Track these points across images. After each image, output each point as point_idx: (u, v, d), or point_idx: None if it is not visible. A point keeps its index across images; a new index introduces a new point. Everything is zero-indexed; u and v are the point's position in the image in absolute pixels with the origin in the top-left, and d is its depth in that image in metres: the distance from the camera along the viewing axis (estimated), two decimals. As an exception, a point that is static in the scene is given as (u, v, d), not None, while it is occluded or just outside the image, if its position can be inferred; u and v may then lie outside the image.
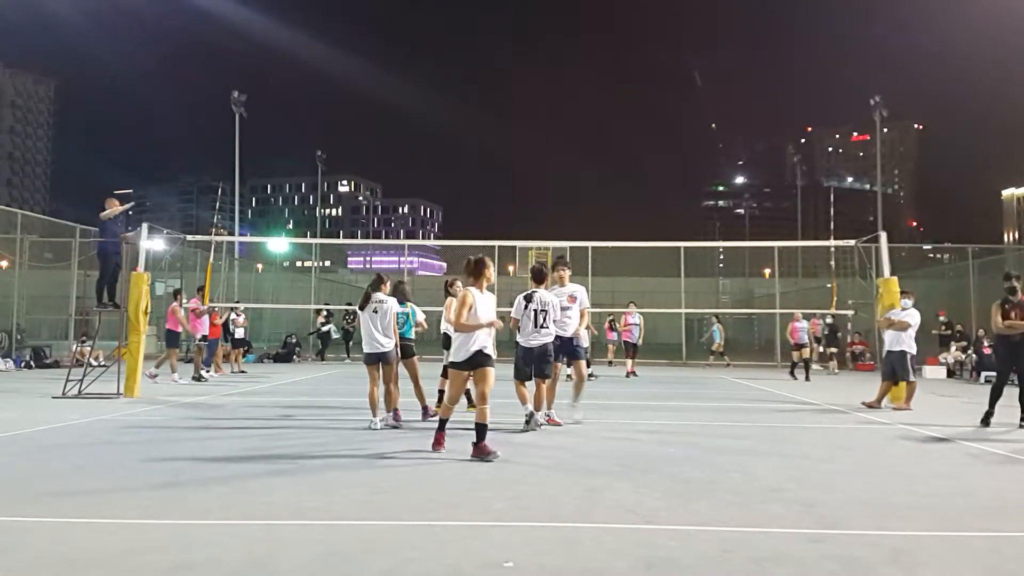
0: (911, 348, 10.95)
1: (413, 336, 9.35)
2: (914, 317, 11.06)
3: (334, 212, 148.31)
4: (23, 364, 17.72)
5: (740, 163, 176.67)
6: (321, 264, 47.20)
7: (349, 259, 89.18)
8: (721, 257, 46.69)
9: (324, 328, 23.39)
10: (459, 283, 9.70)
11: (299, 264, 59.26)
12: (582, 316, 8.96)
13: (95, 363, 13.29)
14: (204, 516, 4.47)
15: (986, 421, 9.03)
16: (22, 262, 19.97)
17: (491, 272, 6.85)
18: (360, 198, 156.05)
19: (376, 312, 8.28)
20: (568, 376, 11.31)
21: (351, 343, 22.78)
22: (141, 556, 3.72)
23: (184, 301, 14.65)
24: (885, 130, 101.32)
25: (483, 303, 6.62)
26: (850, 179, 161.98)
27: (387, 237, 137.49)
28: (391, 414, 8.62)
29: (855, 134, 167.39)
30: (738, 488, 5.42)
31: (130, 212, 12.29)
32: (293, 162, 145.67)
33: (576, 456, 6.72)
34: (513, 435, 7.78)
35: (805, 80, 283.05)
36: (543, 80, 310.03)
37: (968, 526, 4.50)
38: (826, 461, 6.71)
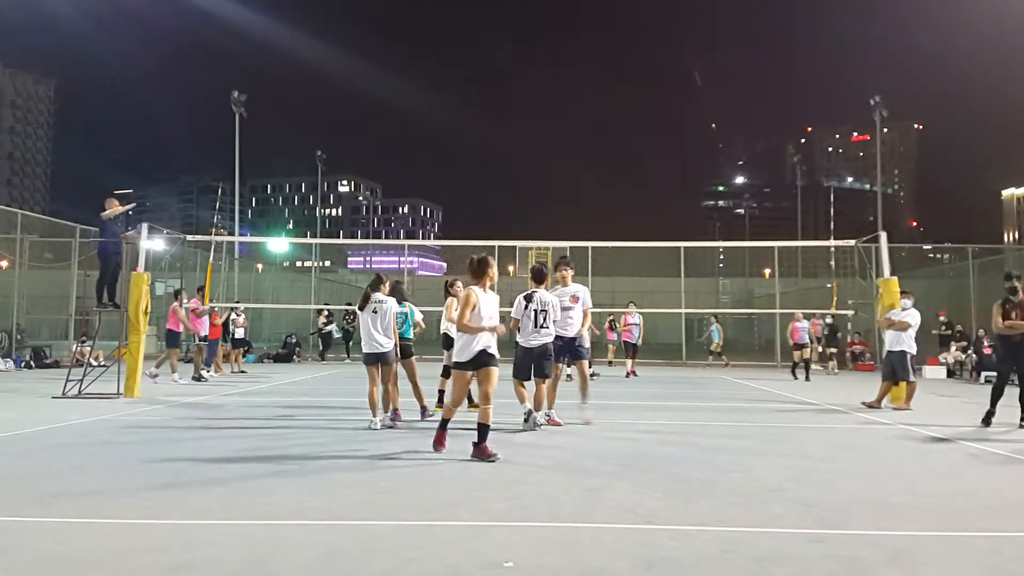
0: (911, 348, 10.95)
1: (412, 336, 9.39)
2: (914, 317, 11.06)
3: (334, 212, 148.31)
4: (23, 364, 17.72)
5: (740, 163, 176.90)
6: (321, 264, 47.21)
7: (349, 259, 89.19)
8: (721, 257, 46.68)
9: (326, 328, 23.40)
10: (459, 283, 9.72)
11: (299, 264, 59.26)
12: (585, 316, 8.96)
13: (95, 363, 13.29)
14: (204, 516, 4.47)
15: (987, 420, 9.03)
16: (22, 262, 19.97)
17: (494, 271, 6.82)
18: (360, 198, 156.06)
19: (376, 312, 8.28)
20: (568, 376, 11.33)
21: (351, 343, 22.78)
22: (141, 556, 3.72)
23: (184, 301, 14.65)
24: (885, 130, 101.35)
25: (486, 302, 6.59)
26: (850, 179, 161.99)
27: (387, 237, 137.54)
28: (391, 414, 8.64)
29: (855, 134, 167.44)
30: (738, 488, 5.42)
31: (130, 212, 12.29)
32: (293, 162, 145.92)
33: (576, 456, 6.72)
34: (513, 435, 7.78)
35: (805, 80, 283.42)
36: (543, 80, 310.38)
37: (968, 526, 4.50)
38: (826, 461, 6.71)
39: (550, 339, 8.35)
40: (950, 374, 19.14)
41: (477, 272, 6.74)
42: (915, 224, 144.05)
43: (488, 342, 6.58)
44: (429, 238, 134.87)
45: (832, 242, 17.78)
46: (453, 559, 3.72)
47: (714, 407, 11.29)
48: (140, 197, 17.39)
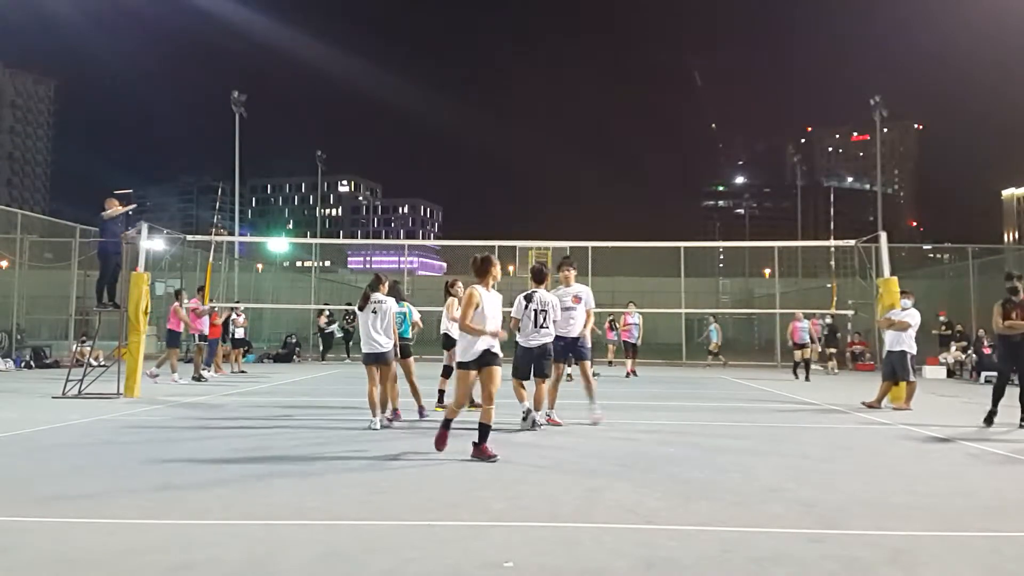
0: (911, 348, 10.95)
1: (411, 336, 9.42)
2: (914, 317, 11.06)
3: (334, 212, 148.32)
4: (23, 364, 17.72)
5: (740, 163, 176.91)
6: (321, 264, 47.21)
7: (349, 259, 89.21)
8: (721, 257, 46.65)
9: (328, 329, 23.39)
10: (460, 284, 9.74)
11: (299, 264, 59.25)
12: (588, 317, 8.95)
13: (95, 363, 13.29)
14: (204, 516, 4.47)
15: (989, 420, 9.03)
16: (22, 262, 19.97)
17: (497, 270, 6.76)
18: (360, 198, 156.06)
19: (375, 312, 8.29)
20: (568, 376, 11.31)
21: (351, 343, 22.79)
22: (141, 556, 3.72)
23: (185, 301, 14.65)
24: (885, 130, 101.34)
25: (489, 301, 6.56)
26: (850, 179, 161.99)
27: (387, 237, 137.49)
28: (390, 413, 8.66)
29: (855, 134, 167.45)
30: (738, 488, 5.42)
31: (130, 212, 12.29)
32: (293, 162, 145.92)
33: (576, 456, 6.72)
34: (513, 435, 7.78)
35: (805, 80, 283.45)
36: (543, 80, 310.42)
37: (968, 526, 4.50)
38: (826, 461, 6.71)
39: (550, 339, 8.34)
40: (950, 374, 19.14)
41: (480, 271, 6.69)
42: (915, 224, 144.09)
43: (491, 341, 6.56)
44: (429, 238, 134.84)
45: (832, 242, 17.78)
46: (453, 559, 3.72)
47: (714, 407, 11.29)
48: (140, 197, 17.40)
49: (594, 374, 9.48)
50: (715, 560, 3.77)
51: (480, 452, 6.28)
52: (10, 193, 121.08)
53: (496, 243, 15.64)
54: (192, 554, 3.74)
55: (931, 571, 3.70)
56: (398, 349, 8.73)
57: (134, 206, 12.36)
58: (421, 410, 9.11)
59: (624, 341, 19.01)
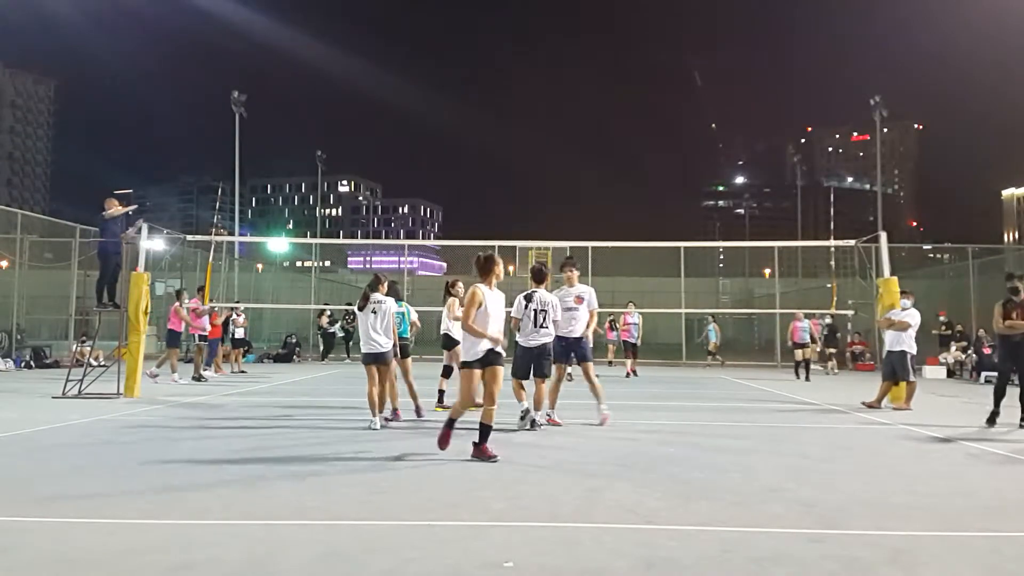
0: (911, 348, 10.95)
1: (410, 336, 9.46)
2: (914, 317, 11.06)
3: (334, 212, 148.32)
4: (23, 364, 17.72)
5: (740, 163, 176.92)
6: (321, 264, 47.20)
7: (349, 259, 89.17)
8: (721, 257, 46.65)
9: (331, 329, 23.36)
10: (460, 284, 9.76)
11: (299, 264, 59.25)
12: (591, 317, 8.94)
13: (95, 363, 13.29)
14: (204, 516, 4.47)
15: (992, 421, 9.02)
16: (22, 262, 19.97)
17: (500, 269, 6.72)
18: (360, 198, 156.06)
19: (375, 312, 8.29)
20: (569, 375, 11.31)
21: (351, 343, 22.79)
22: (141, 556, 3.72)
23: (186, 301, 14.66)
24: (885, 130, 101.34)
25: (492, 300, 6.53)
26: (850, 179, 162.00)
27: (387, 237, 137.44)
28: (390, 413, 8.68)
29: (855, 134, 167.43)
30: (738, 488, 5.42)
31: (130, 213, 12.28)
32: (293, 162, 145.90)
33: (576, 456, 6.72)
34: (513, 435, 7.78)
35: (805, 80, 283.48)
36: (543, 80, 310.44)
37: (968, 526, 4.50)
38: (826, 461, 6.71)
39: (550, 339, 8.34)
40: (950, 374, 19.14)
41: (484, 269, 6.64)
42: (915, 224, 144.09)
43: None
44: (429, 238, 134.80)
45: (832, 242, 17.79)
46: (453, 559, 3.72)
47: (714, 407, 11.30)
48: (140, 197, 17.41)
49: (569, 377, 9.51)
50: (715, 560, 3.77)
51: (480, 452, 6.27)
52: (10, 193, 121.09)
53: (496, 243, 15.61)
54: (192, 554, 3.74)
55: (931, 571, 3.71)
56: (398, 349, 8.75)
57: (135, 207, 12.36)
58: (418, 410, 9.12)
59: (624, 341, 19.02)
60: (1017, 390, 9.18)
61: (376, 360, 8.26)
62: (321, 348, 23.70)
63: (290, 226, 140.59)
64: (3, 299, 19.35)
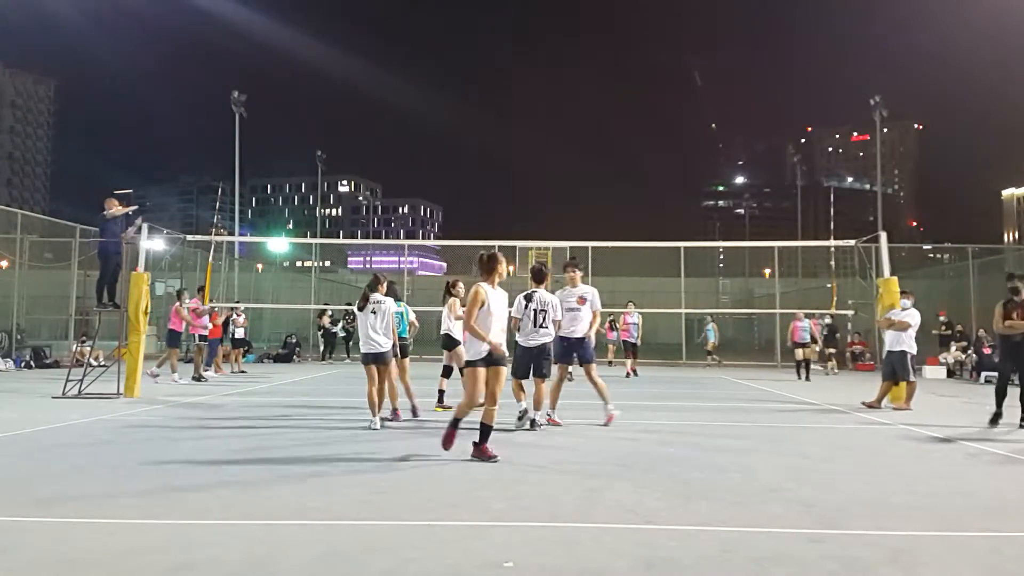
0: (911, 348, 10.95)
1: (408, 336, 9.50)
2: (914, 317, 11.06)
3: (334, 212, 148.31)
4: (23, 364, 17.73)
5: (740, 163, 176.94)
6: (321, 264, 47.21)
7: (349, 259, 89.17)
8: (721, 257, 46.64)
9: (333, 329, 23.34)
10: (461, 284, 9.77)
11: (299, 264, 59.26)
12: (594, 318, 8.92)
13: (95, 363, 13.29)
14: (204, 516, 4.47)
15: (994, 422, 9.01)
16: (22, 262, 19.98)
17: (503, 268, 6.64)
18: (360, 198, 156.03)
19: (375, 313, 8.30)
20: (569, 376, 11.31)
21: (351, 343, 22.79)
22: (141, 556, 3.72)
23: (186, 301, 14.65)
24: (885, 130, 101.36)
25: (496, 299, 6.49)
26: (850, 179, 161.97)
27: (387, 237, 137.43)
28: (390, 413, 8.68)
29: (855, 134, 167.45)
30: (738, 488, 5.42)
31: (130, 213, 12.28)
32: (293, 162, 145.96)
33: (576, 456, 6.72)
34: (513, 435, 7.78)
35: (805, 80, 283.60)
36: (543, 80, 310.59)
37: (968, 526, 4.50)
38: (826, 461, 6.71)
39: (549, 339, 8.34)
40: (950, 374, 19.14)
41: (487, 268, 6.57)
42: (915, 224, 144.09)
43: (499, 339, 6.51)
44: (429, 238, 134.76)
45: (832, 242, 17.78)
46: (453, 559, 3.72)
47: (714, 407, 11.30)
48: (140, 197, 17.36)
49: (569, 377, 9.51)
50: (715, 560, 3.77)
51: (480, 452, 6.27)
52: (10, 193, 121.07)
53: (496, 243, 15.59)
54: (192, 554, 3.74)
55: (931, 571, 3.70)
56: (398, 349, 8.76)
57: (135, 207, 12.35)
58: (415, 409, 9.12)
59: (624, 341, 19.02)
60: (1017, 390, 9.18)
61: (376, 360, 8.27)
62: (322, 348, 23.68)
63: (290, 226, 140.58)
64: (3, 299, 19.35)
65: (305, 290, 30.45)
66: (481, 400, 6.51)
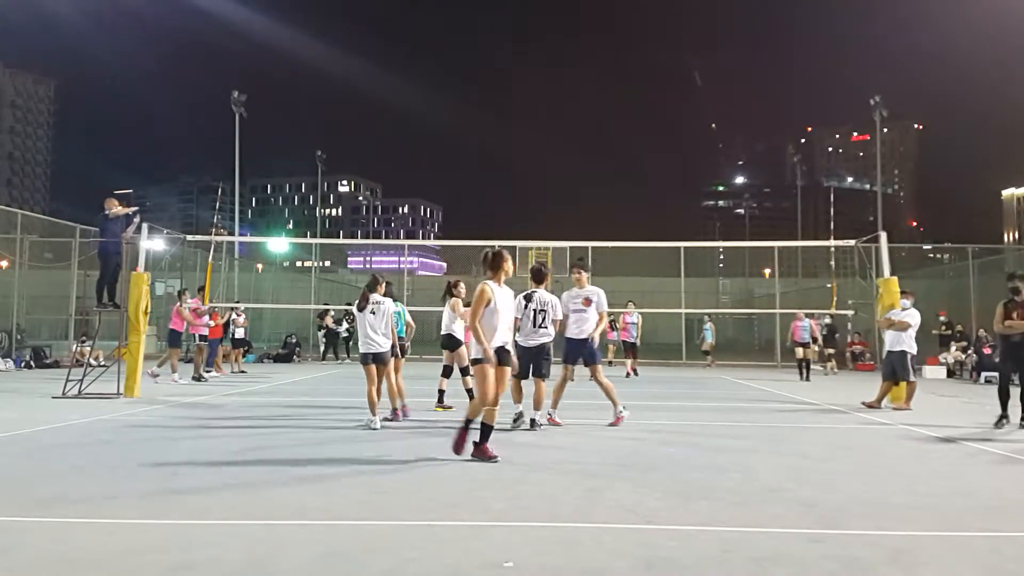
0: (911, 348, 10.95)
1: (406, 336, 9.55)
2: (914, 317, 11.06)
3: (334, 212, 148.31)
4: (23, 364, 17.72)
5: (740, 163, 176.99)
6: (321, 264, 47.20)
7: (349, 259, 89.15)
8: (721, 257, 46.64)
9: (338, 329, 23.31)
10: (462, 284, 9.78)
11: (299, 264, 59.25)
12: (600, 319, 8.90)
13: (95, 363, 13.29)
14: (204, 516, 4.47)
15: (999, 424, 8.97)
16: (22, 262, 19.98)
17: (509, 265, 6.56)
18: (360, 198, 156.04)
19: (374, 313, 8.30)
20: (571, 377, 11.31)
21: (351, 343, 22.78)
22: (141, 556, 3.72)
23: (187, 301, 14.65)
24: (885, 130, 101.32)
25: (502, 297, 6.45)
26: (850, 179, 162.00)
27: (387, 237, 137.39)
28: (390, 413, 8.69)
29: (855, 134, 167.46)
30: (738, 488, 5.42)
31: (131, 214, 12.26)
32: (293, 162, 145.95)
33: (576, 456, 6.71)
34: (513, 435, 7.78)
35: (805, 80, 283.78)
36: (543, 80, 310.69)
37: (968, 526, 4.50)
38: (826, 461, 6.71)
39: (549, 339, 8.34)
40: (950, 374, 19.14)
41: (493, 266, 6.50)
42: (915, 224, 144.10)
43: (505, 338, 6.48)
44: (429, 238, 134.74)
45: (832, 242, 17.78)
46: (453, 559, 3.72)
47: (714, 407, 11.30)
48: (140, 197, 17.40)
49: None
50: (715, 560, 3.77)
51: (481, 452, 6.25)
52: (10, 193, 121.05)
53: (496, 243, 15.56)
54: (192, 554, 3.74)
55: (931, 571, 3.70)
56: (398, 349, 8.79)
57: (136, 209, 12.35)
58: (403, 408, 9.04)
59: (623, 341, 19.02)
60: (1018, 389, 9.17)
61: (375, 360, 8.28)
62: (322, 347, 23.67)
63: (290, 226, 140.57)
64: (3, 299, 19.35)
65: (305, 290, 30.46)
66: (492, 397, 6.41)
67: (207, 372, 15.17)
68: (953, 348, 19.57)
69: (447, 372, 10.07)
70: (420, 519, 4.42)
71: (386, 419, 8.54)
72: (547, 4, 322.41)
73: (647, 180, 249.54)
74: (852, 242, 14.50)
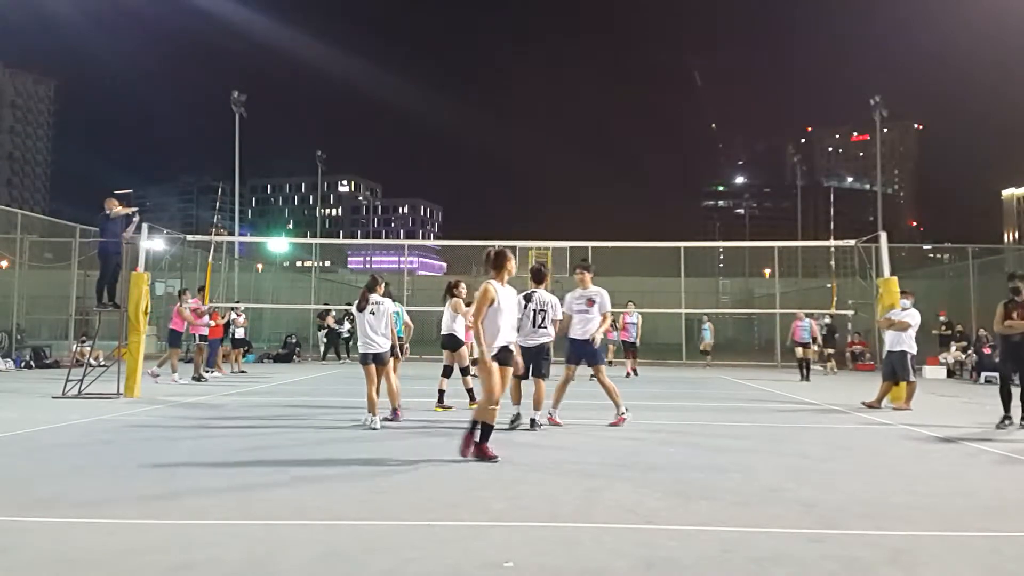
0: (911, 348, 10.95)
1: (405, 336, 9.59)
2: (914, 317, 11.06)
3: (334, 212, 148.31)
4: (23, 364, 17.72)
5: (740, 163, 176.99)
6: (321, 264, 47.17)
7: (349, 259, 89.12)
8: (721, 257, 46.60)
9: (340, 329, 23.30)
10: (463, 284, 9.78)
11: (299, 264, 59.23)
12: (603, 320, 8.89)
13: (95, 363, 13.28)
14: (204, 516, 4.47)
15: (1002, 424, 8.96)
16: (22, 262, 19.98)
17: (512, 264, 6.52)
18: (360, 198, 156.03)
19: (374, 313, 8.31)
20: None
21: (350, 343, 22.78)
22: (141, 556, 3.72)
23: (187, 301, 14.65)
24: (885, 130, 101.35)
25: (505, 297, 6.43)
26: (850, 179, 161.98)
27: (387, 237, 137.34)
28: (390, 413, 8.70)
29: (855, 134, 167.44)
30: (738, 488, 5.42)
31: (131, 215, 12.26)
32: (293, 162, 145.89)
33: (576, 456, 6.71)
34: (513, 435, 7.78)
35: (805, 80, 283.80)
36: (543, 80, 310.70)
37: (968, 526, 4.50)
38: (826, 461, 6.71)
39: (548, 339, 8.34)
40: (950, 374, 19.14)
41: (496, 265, 6.46)
42: (915, 224, 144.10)
43: (509, 337, 6.46)
44: (429, 238, 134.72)
45: (832, 242, 17.78)
46: (453, 559, 3.72)
47: (714, 407, 11.30)
48: (140, 197, 17.41)
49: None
50: (715, 560, 3.77)
51: (481, 452, 6.25)
52: (10, 193, 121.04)
53: (496, 243, 15.58)
54: (192, 554, 3.74)
55: (931, 571, 3.70)
56: (398, 349, 8.80)
57: (136, 209, 12.35)
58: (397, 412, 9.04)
59: (623, 341, 19.03)
60: (1018, 389, 9.16)
61: (375, 360, 8.28)
62: (323, 347, 23.65)
63: (290, 226, 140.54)
64: (3, 299, 19.35)
65: (305, 290, 30.45)
66: (498, 396, 6.36)
67: (207, 372, 15.18)
68: (953, 348, 19.57)
69: (447, 372, 10.07)
70: (420, 519, 4.42)
71: (386, 419, 8.54)
72: (547, 4, 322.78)
73: (647, 180, 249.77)
74: (852, 242, 14.50)
